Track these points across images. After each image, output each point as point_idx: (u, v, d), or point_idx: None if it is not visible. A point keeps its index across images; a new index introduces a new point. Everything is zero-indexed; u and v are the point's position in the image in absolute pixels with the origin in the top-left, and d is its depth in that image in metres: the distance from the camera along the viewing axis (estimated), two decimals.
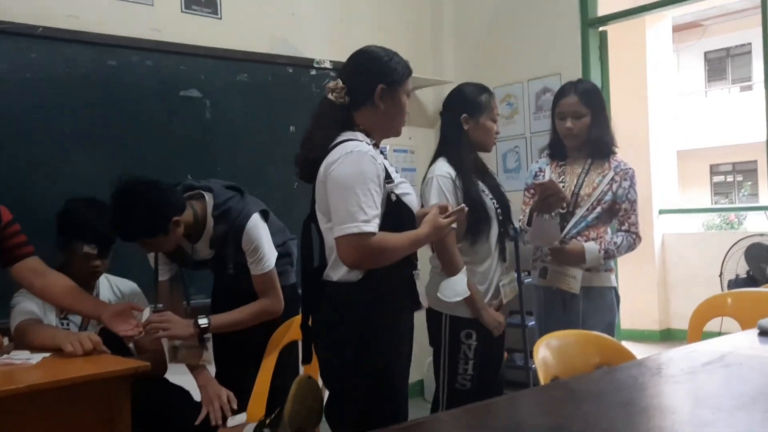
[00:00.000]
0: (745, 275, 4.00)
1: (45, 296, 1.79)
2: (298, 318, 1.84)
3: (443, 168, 2.05)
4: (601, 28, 3.28)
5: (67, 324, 1.91)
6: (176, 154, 2.59)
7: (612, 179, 2.18)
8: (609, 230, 2.25)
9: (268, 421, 1.72)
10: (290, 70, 2.93)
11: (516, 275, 2.16)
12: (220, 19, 2.82)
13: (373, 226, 1.47)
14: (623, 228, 2.20)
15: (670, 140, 5.65)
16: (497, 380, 2.14)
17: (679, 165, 6.35)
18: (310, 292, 1.64)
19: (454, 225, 1.64)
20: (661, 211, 5.26)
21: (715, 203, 12.95)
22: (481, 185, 2.07)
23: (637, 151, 4.82)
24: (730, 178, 13.26)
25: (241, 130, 2.77)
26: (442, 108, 2.17)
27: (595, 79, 3.16)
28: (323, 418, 1.62)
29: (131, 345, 1.96)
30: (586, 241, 2.16)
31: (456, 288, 1.95)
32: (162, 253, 1.97)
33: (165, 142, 2.57)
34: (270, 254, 1.91)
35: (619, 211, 2.20)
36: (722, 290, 3.98)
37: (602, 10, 3.29)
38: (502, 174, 3.47)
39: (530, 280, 2.43)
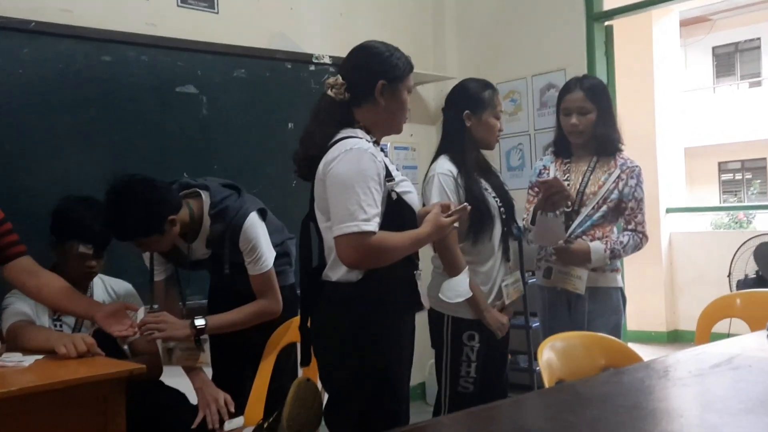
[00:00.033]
0: (755, 275, 3.97)
1: (37, 296, 1.77)
2: (296, 319, 1.82)
3: (445, 166, 2.03)
4: (606, 23, 3.24)
5: (60, 325, 1.89)
6: (172, 152, 2.57)
7: (618, 177, 2.15)
8: (615, 229, 2.22)
9: (266, 425, 1.70)
10: (289, 66, 2.91)
11: (520, 275, 2.13)
12: (217, 13, 2.80)
13: (373, 226, 1.45)
14: (629, 227, 2.18)
15: (677, 137, 5.63)
16: (500, 383, 2.12)
17: (687, 162, 6.32)
18: (308, 292, 1.63)
19: (456, 224, 1.62)
20: (668, 210, 5.23)
21: (724, 201, 12.90)
22: (484, 183, 2.06)
23: (643, 149, 4.79)
24: (738, 176, 13.20)
25: (238, 127, 2.75)
26: (444, 104, 2.16)
27: (601, 74, 3.13)
28: (322, 422, 1.61)
29: (126, 347, 1.94)
30: (591, 240, 2.13)
31: (458, 288, 1.94)
32: (157, 252, 1.96)
33: (161, 139, 2.55)
34: (268, 254, 1.90)
35: (626, 210, 2.17)
36: (731, 291, 3.96)
37: (608, 4, 3.26)
38: (505, 172, 3.44)
39: (534, 280, 2.40)
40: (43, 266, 1.78)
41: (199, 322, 1.83)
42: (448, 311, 2.00)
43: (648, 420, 1.13)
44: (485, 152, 2.14)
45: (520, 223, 2.19)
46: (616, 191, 2.15)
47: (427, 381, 3.41)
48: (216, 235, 1.88)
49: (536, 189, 2.21)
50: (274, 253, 1.92)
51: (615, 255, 2.13)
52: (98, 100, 2.42)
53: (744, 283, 3.96)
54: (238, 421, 1.88)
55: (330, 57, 2.99)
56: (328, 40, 3.10)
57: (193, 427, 1.82)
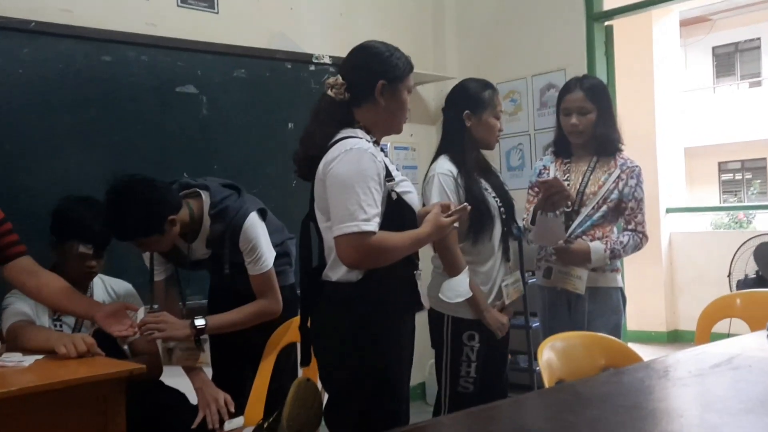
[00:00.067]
0: (755, 275, 3.97)
1: (37, 297, 1.77)
2: (296, 319, 1.82)
3: (445, 166, 2.03)
4: (606, 23, 3.24)
5: (60, 325, 1.89)
6: (172, 152, 2.57)
7: (618, 177, 2.15)
8: (615, 229, 2.22)
9: (266, 425, 1.70)
10: (289, 66, 2.91)
11: (520, 275, 2.13)
12: (217, 13, 2.79)
13: (373, 226, 1.45)
14: (629, 227, 2.18)
15: (677, 137, 5.62)
16: (500, 383, 2.12)
17: (687, 162, 6.31)
18: (308, 292, 1.63)
19: (456, 224, 1.62)
20: (668, 210, 5.23)
21: (724, 201, 12.89)
22: (484, 183, 2.06)
23: (643, 149, 4.79)
24: (738, 176, 13.19)
25: (238, 127, 2.74)
26: (444, 104, 2.15)
27: (601, 74, 3.13)
28: (322, 422, 1.60)
29: (126, 347, 1.94)
30: (591, 240, 2.13)
31: (458, 288, 1.93)
32: (157, 252, 1.95)
33: (161, 139, 2.55)
34: (268, 254, 1.89)
35: (626, 210, 2.17)
36: (731, 291, 3.96)
37: (608, 4, 3.26)
38: (505, 172, 3.44)
39: (534, 280, 2.40)
40: (43, 266, 1.78)
41: (199, 322, 1.83)
42: (448, 311, 2.00)
43: (648, 420, 1.13)
44: (485, 152, 2.14)
45: (520, 223, 2.18)
46: (616, 191, 2.14)
47: (427, 381, 3.41)
48: (216, 235, 1.87)
49: (536, 189, 2.20)
50: (274, 253, 1.92)
51: (615, 255, 2.12)
52: (98, 100, 2.42)
53: (744, 283, 3.96)
54: (238, 421, 1.88)
55: (330, 57, 2.99)
56: (328, 40, 3.10)
57: (193, 427, 1.82)
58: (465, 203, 1.68)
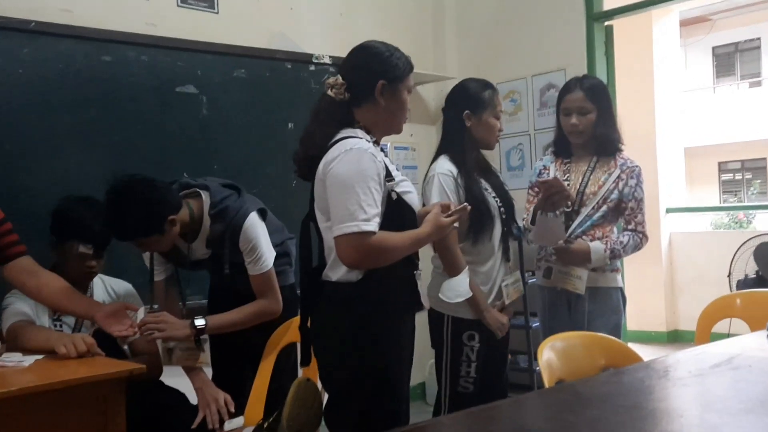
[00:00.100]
0: (755, 275, 3.97)
1: (37, 297, 1.77)
2: (296, 319, 1.82)
3: (445, 166, 2.02)
4: (606, 23, 3.24)
5: (60, 325, 1.88)
6: (172, 152, 2.57)
7: (618, 177, 2.15)
8: (615, 229, 2.21)
9: (266, 425, 1.70)
10: (289, 66, 2.90)
11: (520, 275, 2.13)
12: (217, 13, 2.79)
13: (373, 226, 1.45)
14: (629, 227, 2.18)
15: (677, 137, 5.62)
16: (500, 383, 2.11)
17: (687, 162, 6.31)
18: (308, 292, 1.63)
19: (456, 224, 1.62)
20: (668, 210, 5.22)
21: (724, 201, 12.89)
22: (484, 183, 2.06)
23: (643, 149, 4.79)
24: (738, 176, 13.19)
25: (238, 127, 2.74)
26: (444, 104, 2.15)
27: (601, 74, 3.13)
28: (322, 422, 1.60)
29: (126, 347, 1.94)
30: (591, 240, 2.12)
31: (458, 288, 1.93)
32: (157, 252, 1.95)
33: (160, 139, 2.55)
34: (268, 254, 1.89)
35: (626, 210, 2.17)
36: (731, 291, 3.96)
37: (608, 4, 3.26)
38: (505, 172, 3.44)
39: (534, 280, 2.40)
40: (43, 266, 1.78)
41: (199, 322, 1.83)
42: (448, 311, 1.99)
43: (648, 420, 1.13)
44: (485, 152, 2.14)
45: (520, 223, 2.18)
46: (616, 191, 2.14)
47: (427, 381, 3.41)
48: (216, 235, 1.87)
49: (536, 189, 2.20)
50: (274, 253, 1.92)
51: (615, 255, 2.12)
52: (98, 100, 2.42)
53: (744, 283, 3.96)
54: (238, 421, 1.88)
55: (330, 57, 2.98)
56: (328, 40, 3.10)
57: (193, 427, 1.82)
58: (465, 203, 1.68)
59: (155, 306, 1.95)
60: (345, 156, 1.47)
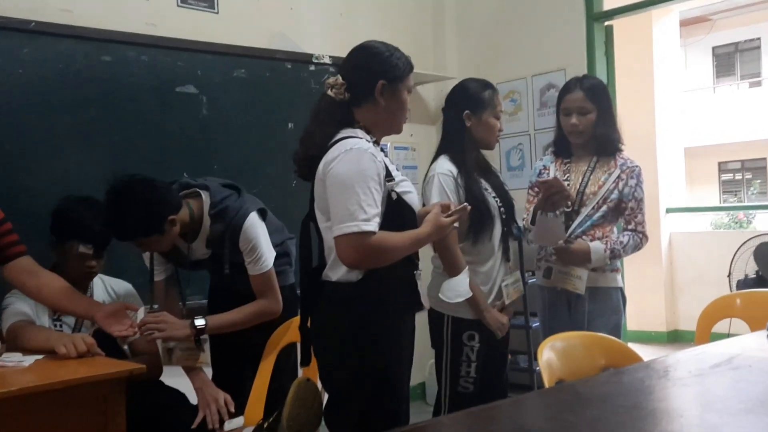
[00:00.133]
0: (755, 275, 3.97)
1: (37, 297, 1.77)
2: (296, 319, 1.82)
3: (445, 166, 2.02)
4: (606, 23, 3.24)
5: (60, 325, 1.88)
6: (172, 152, 2.57)
7: (618, 177, 2.15)
8: (615, 229, 2.21)
9: (266, 425, 1.70)
10: (289, 66, 2.90)
11: (520, 275, 2.13)
12: (217, 13, 2.79)
13: (373, 226, 1.45)
14: (629, 227, 2.18)
15: (677, 137, 5.62)
16: (500, 383, 2.11)
17: (687, 162, 6.31)
18: (308, 292, 1.63)
19: (456, 224, 1.62)
20: (668, 210, 5.22)
21: (724, 201, 12.89)
22: (484, 183, 2.06)
23: (643, 149, 4.79)
24: (738, 176, 13.19)
25: (238, 127, 2.74)
26: (444, 104, 2.15)
27: (601, 74, 3.12)
28: (322, 422, 1.60)
29: (126, 347, 1.94)
30: (591, 240, 2.12)
31: (458, 288, 1.93)
32: (157, 252, 1.95)
33: (161, 140, 2.55)
34: (268, 254, 1.89)
35: (626, 210, 2.17)
36: (731, 291, 3.96)
37: (608, 4, 3.26)
38: (505, 172, 3.44)
39: (534, 280, 2.40)
40: (43, 266, 1.78)
41: (199, 322, 1.83)
42: (448, 311, 1.99)
43: (648, 420, 1.13)
44: (485, 152, 2.14)
45: (520, 223, 2.18)
46: (616, 191, 2.14)
47: (427, 381, 3.41)
48: (216, 235, 1.87)
49: (536, 189, 2.20)
50: (274, 253, 1.92)
51: (615, 255, 2.12)
52: (98, 100, 2.42)
53: (744, 283, 3.96)
54: (238, 421, 1.88)
55: (330, 57, 2.98)
56: (328, 40, 3.10)
57: (193, 427, 1.82)
58: (465, 203, 1.68)
59: (155, 306, 1.95)
60: (345, 156, 1.47)
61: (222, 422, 1.84)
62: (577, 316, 2.14)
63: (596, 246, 2.10)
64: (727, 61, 12.32)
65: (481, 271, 2.02)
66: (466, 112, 2.04)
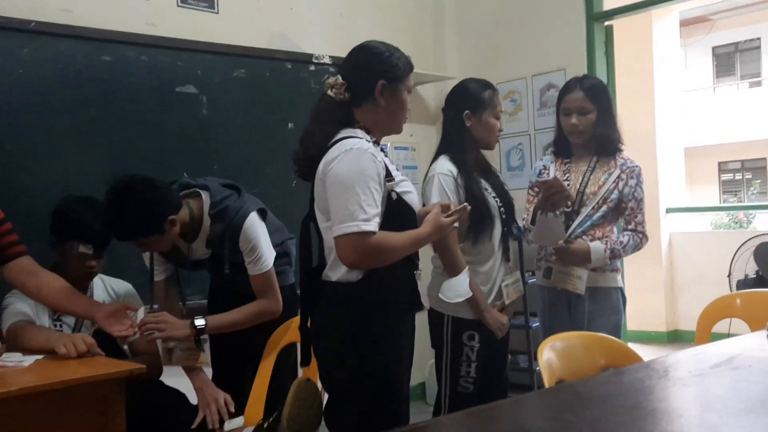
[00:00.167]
0: (755, 275, 3.97)
1: (37, 297, 1.77)
2: (296, 319, 1.82)
3: (445, 166, 2.02)
4: (606, 23, 3.24)
5: (60, 325, 1.88)
6: (172, 152, 2.57)
7: (618, 177, 2.15)
8: (615, 229, 2.21)
9: (266, 425, 1.70)
10: (289, 66, 2.90)
11: (520, 275, 2.13)
12: (217, 13, 2.79)
13: (373, 226, 1.45)
14: (629, 227, 2.18)
15: (677, 137, 5.62)
16: (501, 383, 2.11)
17: (687, 162, 6.31)
18: (308, 292, 1.63)
19: (456, 224, 1.62)
20: (668, 210, 5.22)
21: (724, 201, 12.89)
22: (484, 183, 2.06)
23: (643, 149, 4.79)
24: (738, 176, 13.19)
25: (238, 127, 2.74)
26: (444, 104, 2.15)
27: (601, 74, 3.13)
28: (322, 422, 1.60)
29: (126, 347, 1.94)
30: (591, 240, 2.12)
31: (458, 288, 1.93)
32: (157, 252, 1.95)
33: (160, 139, 2.55)
34: (268, 254, 1.89)
35: (626, 210, 2.17)
36: (731, 291, 3.96)
37: (608, 4, 3.26)
38: (505, 172, 3.44)
39: (534, 280, 2.40)
40: (43, 266, 1.78)
41: (199, 322, 1.83)
42: (448, 311, 1.99)
43: (648, 420, 1.13)
44: (485, 152, 2.14)
45: (520, 223, 2.18)
46: (616, 191, 2.14)
47: (427, 381, 3.40)
48: (216, 235, 1.87)
49: (536, 189, 2.20)
50: (274, 253, 1.92)
51: (615, 255, 2.12)
52: (98, 100, 2.42)
53: (744, 283, 3.96)
54: (238, 421, 1.88)
55: (330, 57, 2.98)
56: (328, 40, 3.10)
57: (193, 427, 1.82)
58: (465, 203, 1.68)
59: (155, 306, 1.95)
60: (345, 156, 1.47)
61: (222, 422, 1.84)
62: (577, 316, 2.14)
63: (596, 246, 2.10)
64: (727, 61, 12.32)
65: (481, 271, 2.02)
66: (466, 112, 2.04)
